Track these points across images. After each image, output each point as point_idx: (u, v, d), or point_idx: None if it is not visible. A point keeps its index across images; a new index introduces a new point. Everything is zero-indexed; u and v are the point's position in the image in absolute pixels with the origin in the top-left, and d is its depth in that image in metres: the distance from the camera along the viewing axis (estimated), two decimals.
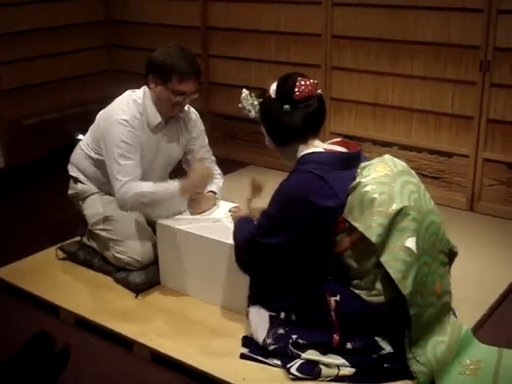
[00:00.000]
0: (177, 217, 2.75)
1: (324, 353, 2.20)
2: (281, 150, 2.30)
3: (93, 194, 2.92)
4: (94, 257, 2.94)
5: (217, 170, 2.98)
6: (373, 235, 2.07)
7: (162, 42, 4.58)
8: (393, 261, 2.06)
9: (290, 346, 2.22)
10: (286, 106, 2.18)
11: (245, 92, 2.34)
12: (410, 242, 2.07)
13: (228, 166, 4.24)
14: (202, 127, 2.97)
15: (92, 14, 4.87)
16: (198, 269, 2.63)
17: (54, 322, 2.61)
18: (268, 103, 2.26)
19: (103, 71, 4.93)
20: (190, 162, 2.93)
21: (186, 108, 2.83)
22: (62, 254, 3.03)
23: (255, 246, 2.24)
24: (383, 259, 2.08)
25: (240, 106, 2.34)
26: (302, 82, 2.17)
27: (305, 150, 2.22)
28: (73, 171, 2.98)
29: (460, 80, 3.50)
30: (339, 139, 2.36)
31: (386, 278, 2.09)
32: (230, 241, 2.48)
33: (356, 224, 2.10)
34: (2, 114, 4.43)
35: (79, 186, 2.95)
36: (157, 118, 2.74)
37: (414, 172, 2.27)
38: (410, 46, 3.62)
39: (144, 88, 2.76)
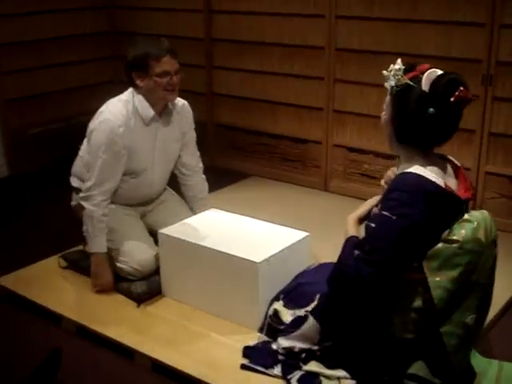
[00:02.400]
0: (178, 226, 2.76)
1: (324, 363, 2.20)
2: (393, 140, 2.12)
3: None
4: None
5: (204, 185, 3.07)
6: (437, 297, 1.98)
7: None
8: (451, 335, 2.00)
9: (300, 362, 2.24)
10: (432, 110, 1.94)
11: (399, 64, 2.05)
12: (470, 320, 2.03)
13: (231, 176, 4.27)
14: (193, 124, 3.02)
15: (97, 24, 4.91)
16: (200, 279, 2.63)
17: (56, 330, 2.61)
18: (415, 94, 1.98)
19: (108, 81, 4.95)
20: (183, 173, 3.05)
21: (179, 102, 2.91)
22: (64, 263, 3.04)
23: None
24: (443, 330, 2.00)
25: (385, 72, 2.07)
26: (462, 88, 1.98)
27: (421, 167, 2.00)
28: (74, 182, 3.00)
29: None
30: (463, 174, 2.20)
31: (422, 325, 2.04)
32: (232, 252, 2.49)
33: (428, 276, 1.98)
34: (6, 123, 4.45)
35: None
36: (150, 112, 2.78)
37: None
38: (413, 59, 3.61)
39: (130, 89, 2.81)
